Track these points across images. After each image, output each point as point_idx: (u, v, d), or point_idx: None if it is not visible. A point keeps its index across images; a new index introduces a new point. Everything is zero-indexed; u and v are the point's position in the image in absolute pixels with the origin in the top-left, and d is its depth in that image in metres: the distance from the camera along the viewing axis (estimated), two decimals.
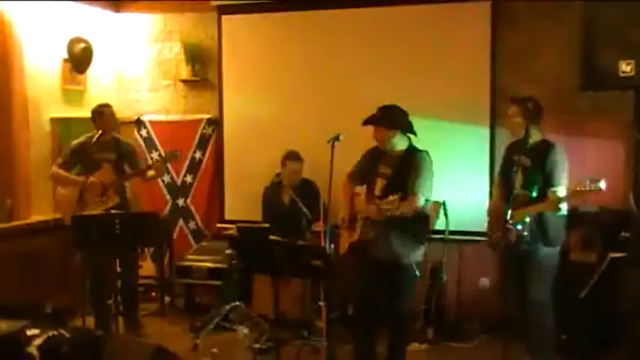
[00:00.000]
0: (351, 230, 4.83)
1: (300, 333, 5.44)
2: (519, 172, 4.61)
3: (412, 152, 4.67)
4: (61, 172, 5.60)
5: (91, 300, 5.70)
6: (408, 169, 4.58)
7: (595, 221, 5.14)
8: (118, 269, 5.69)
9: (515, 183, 4.62)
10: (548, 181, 4.46)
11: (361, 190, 4.89)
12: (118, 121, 5.91)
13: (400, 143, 4.68)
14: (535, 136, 4.64)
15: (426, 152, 4.67)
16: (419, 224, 4.64)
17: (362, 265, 4.81)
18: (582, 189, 4.17)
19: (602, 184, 4.06)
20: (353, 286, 4.95)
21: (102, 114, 5.74)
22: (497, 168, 5.66)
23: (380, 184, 4.67)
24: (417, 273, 4.67)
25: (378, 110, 4.68)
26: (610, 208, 5.16)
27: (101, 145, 5.68)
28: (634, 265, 4.49)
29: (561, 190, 4.38)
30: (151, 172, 5.83)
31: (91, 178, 5.60)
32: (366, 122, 4.69)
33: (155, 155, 6.85)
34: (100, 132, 5.67)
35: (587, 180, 4.14)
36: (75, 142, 5.73)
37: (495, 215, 4.83)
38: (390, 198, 4.32)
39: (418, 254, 4.69)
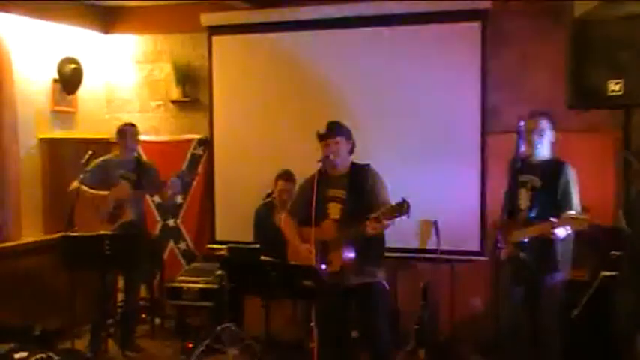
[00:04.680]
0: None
1: (292, 354, 5.39)
2: (525, 192, 4.58)
3: (359, 169, 4.63)
4: (75, 183, 5.47)
5: (93, 320, 5.69)
6: (363, 187, 4.53)
7: (586, 239, 5.14)
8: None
9: (520, 202, 4.58)
10: (560, 204, 4.41)
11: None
12: (138, 141, 5.96)
13: (347, 160, 4.65)
14: (543, 152, 4.63)
15: (370, 165, 4.63)
16: (378, 240, 4.56)
17: (332, 290, 4.55)
18: (573, 217, 4.19)
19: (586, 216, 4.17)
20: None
21: (123, 132, 5.81)
22: (488, 187, 5.67)
23: (335, 208, 4.60)
24: (387, 286, 4.62)
25: (331, 124, 4.61)
26: (600, 226, 5.15)
27: (122, 163, 5.76)
28: (625, 285, 4.48)
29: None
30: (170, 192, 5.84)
31: (107, 194, 5.62)
32: (325, 135, 4.57)
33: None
34: (121, 151, 5.81)
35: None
36: (98, 159, 5.74)
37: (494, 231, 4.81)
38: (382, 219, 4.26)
39: (383, 270, 4.64)
